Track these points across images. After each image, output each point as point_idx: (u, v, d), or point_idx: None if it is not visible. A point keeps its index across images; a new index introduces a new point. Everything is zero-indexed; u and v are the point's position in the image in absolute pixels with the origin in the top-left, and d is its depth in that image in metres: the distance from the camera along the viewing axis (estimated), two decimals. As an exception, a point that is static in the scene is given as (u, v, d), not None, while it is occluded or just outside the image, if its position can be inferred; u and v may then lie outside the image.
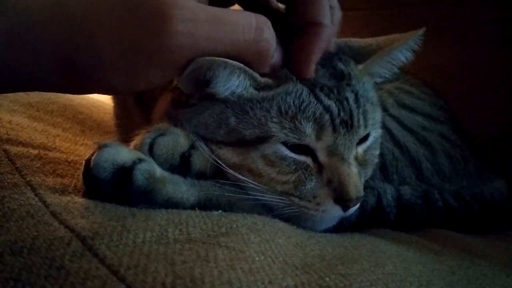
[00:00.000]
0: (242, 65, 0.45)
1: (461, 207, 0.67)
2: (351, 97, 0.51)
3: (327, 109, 0.49)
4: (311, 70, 0.49)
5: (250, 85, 0.48)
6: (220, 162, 0.49)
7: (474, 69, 0.91)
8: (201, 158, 0.50)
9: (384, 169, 0.68)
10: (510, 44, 0.87)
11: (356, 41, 0.58)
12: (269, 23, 0.44)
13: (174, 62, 0.41)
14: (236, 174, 0.50)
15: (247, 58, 0.45)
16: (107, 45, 0.39)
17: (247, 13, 0.44)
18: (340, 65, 0.52)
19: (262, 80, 0.48)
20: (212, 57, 0.42)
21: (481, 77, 0.90)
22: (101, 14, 0.38)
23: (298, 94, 0.49)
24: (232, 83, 0.47)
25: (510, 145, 0.85)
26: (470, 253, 0.54)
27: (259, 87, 0.49)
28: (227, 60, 0.44)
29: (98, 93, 0.45)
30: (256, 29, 0.43)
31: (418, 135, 0.75)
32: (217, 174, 0.50)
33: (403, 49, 0.55)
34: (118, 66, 0.40)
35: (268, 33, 0.44)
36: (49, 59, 0.39)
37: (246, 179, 0.50)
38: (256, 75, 0.47)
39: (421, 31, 0.54)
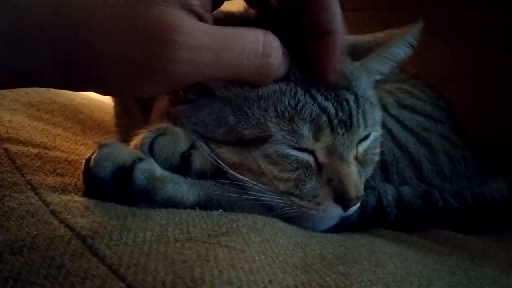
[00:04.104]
0: None
1: (461, 207, 0.67)
2: (350, 97, 0.51)
3: (324, 110, 0.49)
4: (335, 78, 0.49)
5: None
6: (219, 161, 0.49)
7: (474, 69, 0.91)
8: (201, 157, 0.50)
9: (384, 169, 0.68)
10: (510, 44, 0.87)
11: (353, 38, 0.57)
12: (276, 43, 0.43)
13: (173, 84, 0.41)
14: (236, 174, 0.50)
15: (249, 80, 0.45)
16: (106, 57, 0.38)
17: (256, 34, 0.42)
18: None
19: None
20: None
21: (481, 77, 0.90)
22: (102, 26, 0.37)
23: (292, 93, 0.48)
24: None
25: (510, 145, 0.85)
26: (470, 253, 0.54)
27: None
28: None
29: (96, 93, 0.45)
30: (262, 55, 0.41)
31: (419, 136, 0.75)
32: (217, 173, 0.50)
33: (401, 44, 0.54)
34: (116, 77, 0.39)
35: (275, 57, 0.42)
36: (49, 58, 0.39)
37: (246, 179, 0.50)
38: None
39: (419, 25, 0.53)
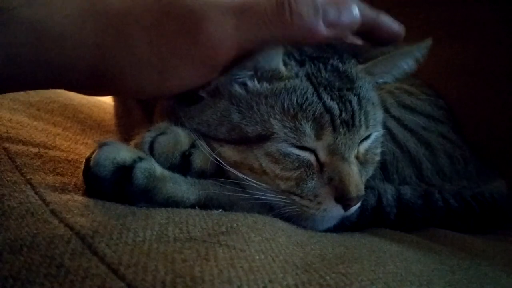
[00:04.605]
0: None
1: (461, 207, 0.67)
2: (354, 99, 0.51)
3: (328, 109, 0.49)
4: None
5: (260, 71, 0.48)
6: (220, 161, 0.49)
7: (474, 69, 0.91)
8: (202, 157, 0.50)
9: (384, 169, 0.68)
10: (510, 44, 0.87)
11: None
12: None
13: (207, 59, 0.42)
14: (237, 173, 0.50)
15: (284, 35, 0.44)
16: (143, 44, 0.39)
17: None
18: (343, 66, 0.52)
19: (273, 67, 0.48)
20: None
21: (482, 77, 0.90)
22: (137, 14, 0.39)
23: (303, 92, 0.49)
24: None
25: (510, 145, 0.85)
26: (470, 253, 0.54)
27: (267, 74, 0.49)
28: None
29: (123, 95, 0.45)
30: (278, 3, 0.42)
31: (419, 135, 0.75)
32: (217, 173, 0.50)
33: (408, 57, 0.55)
34: (153, 65, 0.40)
35: (295, 4, 0.42)
36: (78, 61, 0.38)
37: (247, 178, 0.50)
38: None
39: (428, 42, 0.53)
